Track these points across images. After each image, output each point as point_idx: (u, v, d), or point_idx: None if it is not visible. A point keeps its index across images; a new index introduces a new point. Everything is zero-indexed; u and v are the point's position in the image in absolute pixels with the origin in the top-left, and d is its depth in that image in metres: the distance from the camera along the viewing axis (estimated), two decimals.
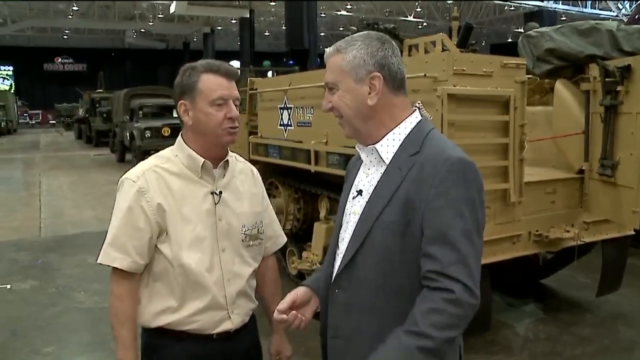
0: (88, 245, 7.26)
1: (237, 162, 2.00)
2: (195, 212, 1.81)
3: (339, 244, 1.62)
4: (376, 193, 1.52)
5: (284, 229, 5.69)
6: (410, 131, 1.54)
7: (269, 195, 5.96)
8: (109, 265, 1.81)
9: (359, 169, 1.64)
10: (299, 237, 5.82)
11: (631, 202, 3.67)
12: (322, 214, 5.24)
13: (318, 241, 5.17)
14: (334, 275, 1.59)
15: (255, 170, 2.08)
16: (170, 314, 1.82)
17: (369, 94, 1.51)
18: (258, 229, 1.96)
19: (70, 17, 39.08)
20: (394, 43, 1.59)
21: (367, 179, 1.59)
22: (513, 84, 3.70)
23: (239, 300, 1.90)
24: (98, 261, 1.83)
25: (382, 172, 1.54)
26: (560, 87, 4.40)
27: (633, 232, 4.39)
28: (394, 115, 1.55)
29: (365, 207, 1.54)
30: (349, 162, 1.80)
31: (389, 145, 1.54)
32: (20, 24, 39.48)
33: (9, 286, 5.83)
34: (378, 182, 1.54)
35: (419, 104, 1.62)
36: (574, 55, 4.32)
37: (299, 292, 1.69)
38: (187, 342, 1.82)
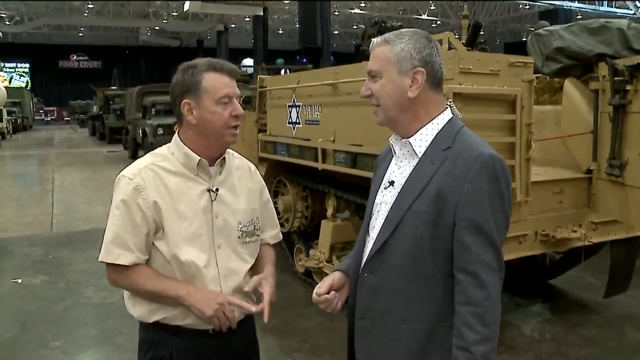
0: (99, 241, 7.12)
1: (234, 159, 2.00)
2: (191, 210, 1.82)
3: (370, 231, 1.70)
4: (408, 184, 1.60)
5: (291, 226, 5.77)
6: (443, 127, 1.61)
7: (277, 192, 6.03)
8: (111, 263, 1.81)
9: (390, 162, 1.72)
10: (307, 234, 5.84)
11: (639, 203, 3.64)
12: (330, 211, 5.25)
13: (325, 239, 5.18)
14: (365, 259, 1.67)
15: (252, 166, 2.08)
16: (166, 308, 1.82)
17: (411, 86, 1.58)
18: (254, 226, 1.96)
19: (85, 14, 39.50)
20: (438, 44, 1.63)
21: (399, 171, 1.66)
22: (520, 82, 3.69)
23: (235, 297, 1.89)
24: (100, 259, 1.83)
25: (414, 164, 1.61)
26: (569, 86, 4.36)
27: None
28: (429, 111, 1.62)
29: (397, 197, 1.61)
30: (379, 155, 1.86)
31: (422, 140, 1.61)
32: (36, 22, 39.99)
33: (20, 280, 5.91)
34: (410, 173, 1.61)
35: (450, 102, 1.70)
36: (583, 54, 4.27)
37: (335, 276, 1.78)
38: (182, 337, 1.83)
